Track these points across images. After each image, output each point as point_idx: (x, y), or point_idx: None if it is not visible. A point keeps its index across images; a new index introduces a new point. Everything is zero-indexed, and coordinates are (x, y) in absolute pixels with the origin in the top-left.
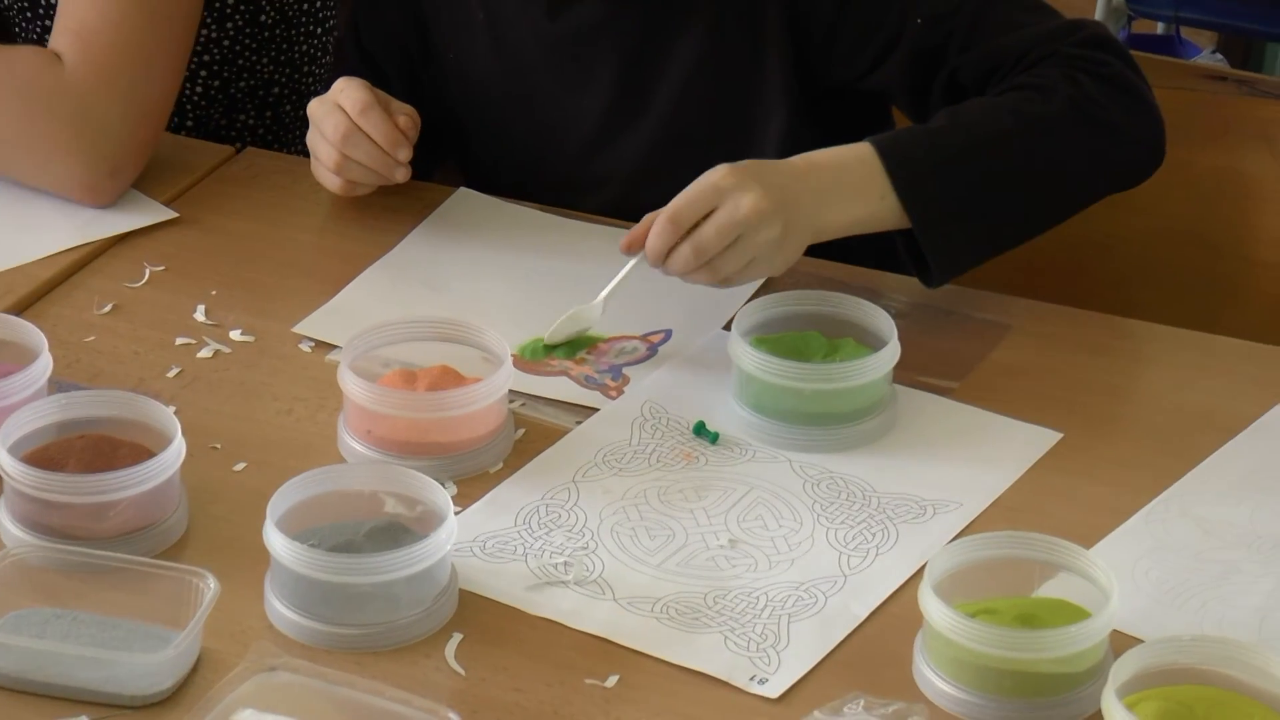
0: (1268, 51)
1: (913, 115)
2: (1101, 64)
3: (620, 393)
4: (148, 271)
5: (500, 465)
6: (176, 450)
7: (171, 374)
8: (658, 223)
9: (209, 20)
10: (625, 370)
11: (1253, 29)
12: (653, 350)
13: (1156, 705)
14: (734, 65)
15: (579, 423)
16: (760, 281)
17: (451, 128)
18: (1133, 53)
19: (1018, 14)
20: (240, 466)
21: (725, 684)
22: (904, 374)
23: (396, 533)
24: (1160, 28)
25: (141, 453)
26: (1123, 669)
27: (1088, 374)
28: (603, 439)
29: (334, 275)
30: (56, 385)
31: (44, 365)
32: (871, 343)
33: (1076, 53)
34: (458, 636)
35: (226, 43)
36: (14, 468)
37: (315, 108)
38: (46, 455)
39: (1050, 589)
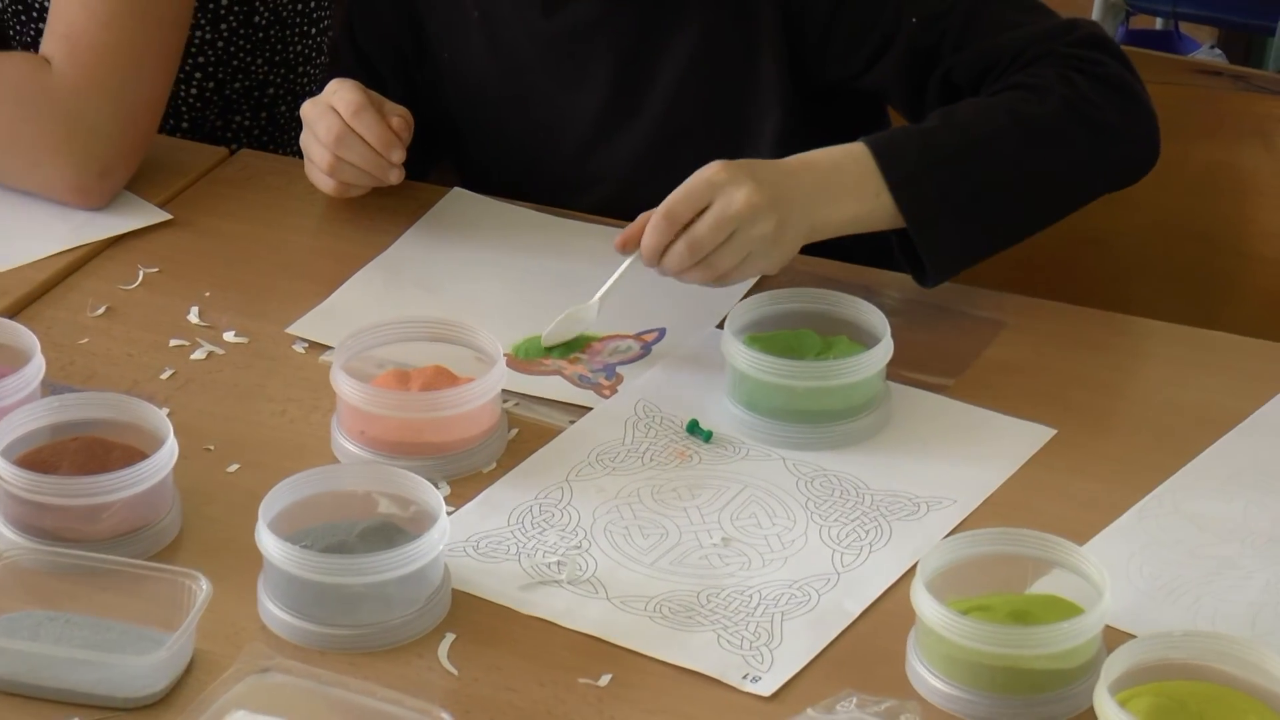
0: (1269, 46)
1: (907, 115)
2: (1096, 63)
3: (614, 392)
4: (141, 273)
5: (494, 465)
6: (169, 452)
7: (165, 376)
8: (652, 220)
9: (203, 22)
10: (619, 369)
11: (1250, 23)
12: (646, 349)
13: (1149, 701)
14: (729, 64)
15: (572, 422)
16: (754, 280)
17: (447, 127)
18: (1128, 48)
19: (1012, 13)
20: (234, 468)
21: (718, 682)
22: (898, 371)
23: (389, 533)
24: (1159, 23)
25: (134, 455)
26: (1115, 665)
27: (1083, 370)
28: (596, 438)
29: (328, 276)
30: (50, 388)
31: (37, 368)
32: (865, 340)
33: (1071, 52)
34: (451, 636)
35: (221, 44)
36: (7, 470)
37: (308, 109)
38: (40, 458)
39: (1043, 585)
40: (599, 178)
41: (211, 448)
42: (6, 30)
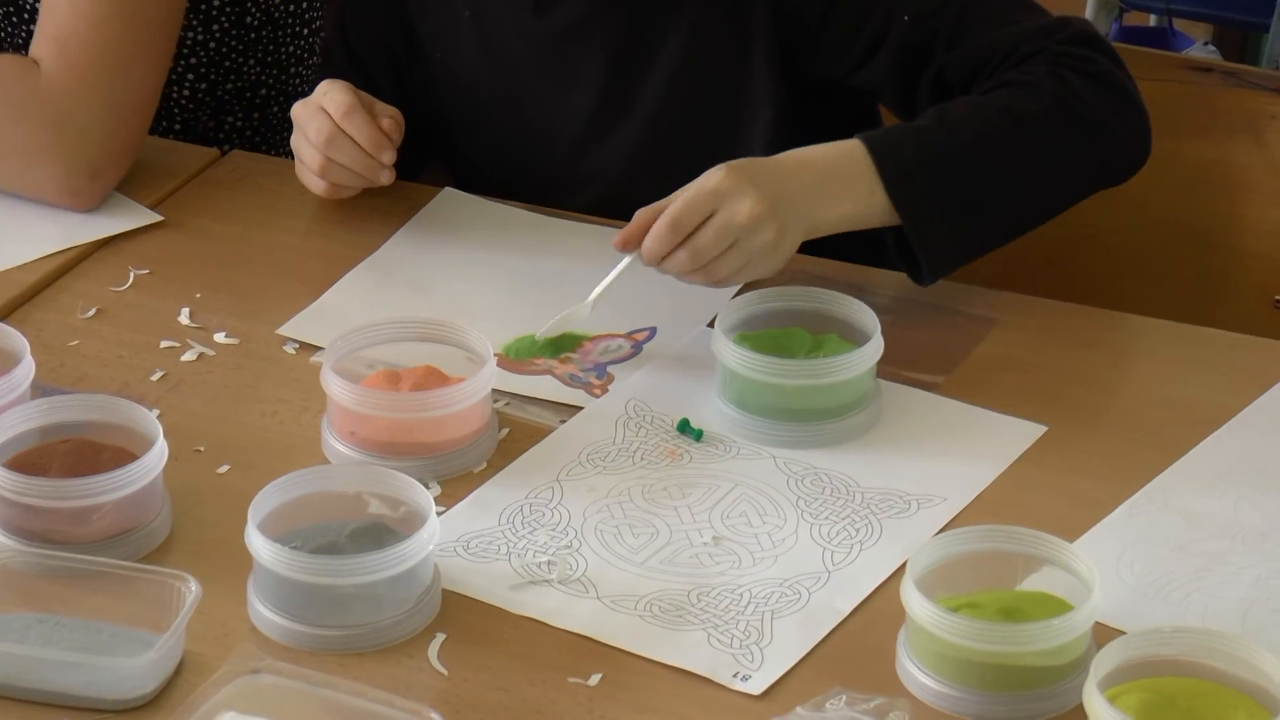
0: (1262, 42)
1: (900, 113)
2: (1088, 61)
3: (605, 391)
4: (132, 275)
5: (484, 465)
6: (158, 454)
7: (155, 377)
8: (656, 228)
9: (195, 23)
10: (610, 369)
11: (1242, 20)
12: (637, 348)
13: (1139, 697)
14: (721, 63)
15: (563, 421)
16: None
17: (438, 128)
18: (1121, 45)
19: (1004, 11)
20: (224, 469)
21: (709, 681)
22: (890, 369)
23: (379, 533)
24: (1152, 20)
25: (124, 456)
26: (1105, 661)
27: (1074, 367)
28: (587, 437)
29: (319, 277)
30: (40, 390)
31: (26, 370)
32: (856, 338)
33: (1063, 50)
34: (441, 637)
35: (213, 45)
36: None
37: (299, 111)
38: (29, 460)
39: (1033, 583)
40: (591, 177)
41: (202, 449)
42: None
